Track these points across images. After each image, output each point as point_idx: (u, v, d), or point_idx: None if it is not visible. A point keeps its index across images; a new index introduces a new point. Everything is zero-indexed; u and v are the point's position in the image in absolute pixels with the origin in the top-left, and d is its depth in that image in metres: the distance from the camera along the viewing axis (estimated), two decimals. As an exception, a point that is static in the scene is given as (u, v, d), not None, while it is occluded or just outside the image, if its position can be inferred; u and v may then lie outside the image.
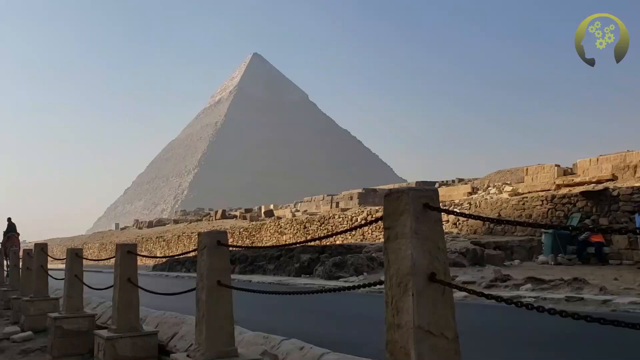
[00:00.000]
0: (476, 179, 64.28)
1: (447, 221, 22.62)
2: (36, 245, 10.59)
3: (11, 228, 24.53)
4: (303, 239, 30.65)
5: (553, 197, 18.79)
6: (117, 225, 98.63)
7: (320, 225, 29.13)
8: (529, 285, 11.76)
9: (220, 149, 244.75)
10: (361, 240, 25.64)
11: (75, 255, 8.46)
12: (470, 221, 21.59)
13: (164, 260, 36.76)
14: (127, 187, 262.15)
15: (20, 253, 16.94)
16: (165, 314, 7.48)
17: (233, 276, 19.20)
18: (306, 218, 31.52)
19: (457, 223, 22.07)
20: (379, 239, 25.41)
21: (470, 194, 32.38)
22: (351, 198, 65.25)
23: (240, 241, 36.21)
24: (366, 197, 64.95)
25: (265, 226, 34.51)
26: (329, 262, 17.10)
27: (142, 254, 45.68)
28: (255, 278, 19.23)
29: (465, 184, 58.67)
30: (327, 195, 69.81)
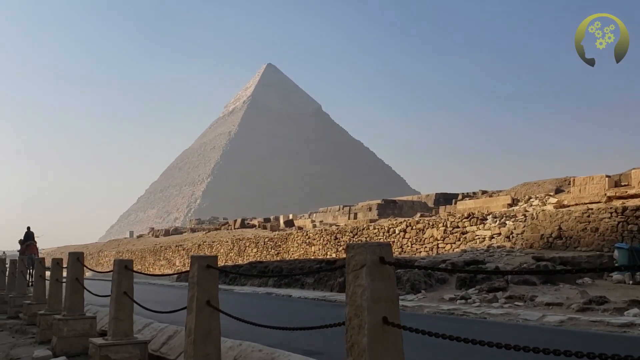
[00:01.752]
0: (500, 191, 62.33)
1: (499, 234, 20.98)
2: (71, 254, 9.14)
3: (29, 236, 24.25)
4: (334, 250, 29.07)
5: (624, 208, 17.09)
6: (131, 233, 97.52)
7: (353, 237, 27.51)
8: (635, 310, 10.09)
9: (233, 158, 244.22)
10: (400, 254, 24.03)
11: (124, 268, 6.98)
12: (526, 234, 19.91)
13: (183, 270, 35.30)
14: (141, 195, 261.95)
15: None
16: (242, 344, 5.94)
17: (270, 290, 17.47)
18: (337, 229, 29.93)
19: (510, 236, 20.39)
20: (420, 251, 23.78)
21: (510, 205, 30.68)
22: (370, 209, 63.61)
23: (265, 252, 34.71)
24: (385, 208, 63.29)
25: (292, 237, 32.94)
26: (380, 277, 15.51)
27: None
28: (295, 293, 17.66)
29: (490, 196, 56.80)
30: (345, 206, 68.23)
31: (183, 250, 44.16)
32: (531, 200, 30.07)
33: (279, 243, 33.61)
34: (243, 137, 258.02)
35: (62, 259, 11.07)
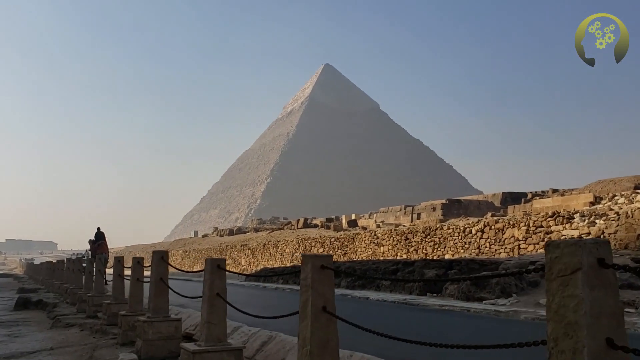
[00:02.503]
0: (573, 189, 59.43)
1: (589, 234, 19.49)
2: (155, 252, 8.75)
3: (100, 236, 24.78)
4: (404, 251, 28.11)
5: None
6: (195, 232, 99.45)
7: (425, 237, 26.44)
8: None
9: (292, 159, 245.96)
10: (477, 255, 22.84)
11: (216, 268, 6.44)
12: (620, 234, 18.37)
13: (250, 269, 35.19)
14: (203, 196, 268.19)
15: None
16: (353, 355, 5.23)
17: (344, 291, 16.64)
18: (407, 228, 28.93)
19: (602, 236, 18.87)
20: (499, 253, 22.51)
21: (592, 203, 28.74)
22: (434, 209, 61.87)
23: (331, 251, 34.11)
24: (450, 208, 61.38)
25: (359, 237, 32.16)
26: (466, 280, 14.52)
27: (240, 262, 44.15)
28: (372, 295, 16.90)
29: (563, 194, 54.01)
30: (407, 207, 66.73)
31: (248, 249, 44.22)
32: (616, 197, 28.04)
33: (346, 243, 32.92)
34: (301, 137, 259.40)
35: (142, 258, 10.79)
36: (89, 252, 24.49)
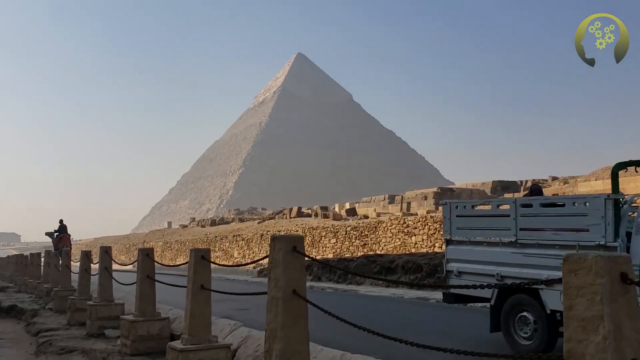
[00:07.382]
0: (578, 176, 56.85)
1: None
2: (278, 239, 4.48)
3: (62, 229, 24.55)
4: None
5: None
6: (169, 223, 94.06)
7: (475, 224, 22.53)
8: None
9: (264, 149, 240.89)
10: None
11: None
12: None
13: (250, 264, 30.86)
14: (172, 187, 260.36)
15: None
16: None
17: (420, 293, 12.08)
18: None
19: None
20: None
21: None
22: (425, 198, 58.65)
23: (347, 242, 29.98)
24: (442, 196, 58.20)
25: (382, 225, 28.08)
26: None
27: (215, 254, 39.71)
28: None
29: (566, 182, 51.27)
30: (394, 195, 63.43)
31: (242, 240, 39.77)
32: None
33: (366, 233, 28.80)
34: (274, 127, 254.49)
35: (208, 250, 6.44)
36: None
